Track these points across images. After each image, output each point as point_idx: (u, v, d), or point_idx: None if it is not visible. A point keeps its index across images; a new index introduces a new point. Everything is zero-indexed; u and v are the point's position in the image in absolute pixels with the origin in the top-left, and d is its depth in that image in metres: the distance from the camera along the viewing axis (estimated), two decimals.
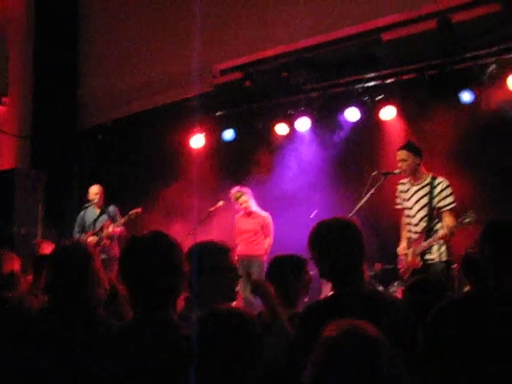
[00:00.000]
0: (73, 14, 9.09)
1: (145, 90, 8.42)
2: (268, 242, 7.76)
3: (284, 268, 3.61)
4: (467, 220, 5.46)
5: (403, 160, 5.98)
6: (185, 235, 7.61)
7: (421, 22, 6.61)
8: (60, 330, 2.91)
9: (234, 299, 2.97)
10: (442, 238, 5.69)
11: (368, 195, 5.85)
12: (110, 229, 7.84)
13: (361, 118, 8.14)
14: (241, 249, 7.76)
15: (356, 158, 8.32)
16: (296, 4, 7.13)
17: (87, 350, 2.63)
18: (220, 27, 7.56)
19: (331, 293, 2.88)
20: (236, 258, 7.62)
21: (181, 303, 2.76)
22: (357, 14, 6.79)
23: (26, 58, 9.26)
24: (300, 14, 7.09)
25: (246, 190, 7.87)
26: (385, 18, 6.69)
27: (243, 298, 7.51)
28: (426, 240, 5.80)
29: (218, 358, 1.97)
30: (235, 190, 7.87)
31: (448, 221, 5.74)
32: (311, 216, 8.10)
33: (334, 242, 2.79)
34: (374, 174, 6.02)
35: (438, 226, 5.85)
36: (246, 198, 7.77)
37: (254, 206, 7.85)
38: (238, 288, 3.00)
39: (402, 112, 7.93)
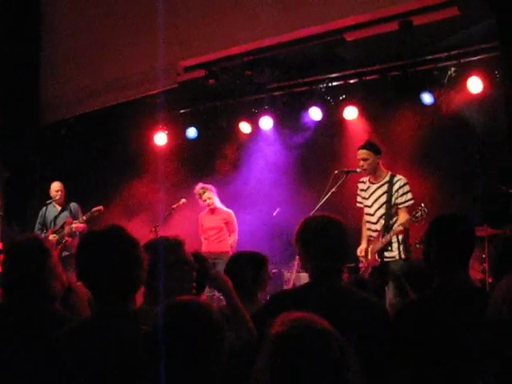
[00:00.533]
0: (35, 9, 8.94)
1: (109, 86, 8.33)
2: (233, 238, 7.71)
3: (243, 264, 3.63)
4: (419, 214, 5.57)
5: (364, 159, 6.07)
6: (147, 232, 7.58)
7: (383, 23, 6.66)
8: (16, 325, 2.88)
9: (190, 292, 2.97)
10: (396, 233, 5.80)
11: (329, 193, 5.91)
12: (72, 226, 7.76)
13: (324, 118, 8.23)
14: (206, 246, 7.74)
15: (319, 156, 8.40)
16: (261, 2, 7.13)
17: (45, 344, 2.61)
18: (184, 24, 7.52)
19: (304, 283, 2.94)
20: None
21: (139, 298, 2.75)
22: (321, 14, 6.80)
23: None
24: (264, 13, 7.09)
25: (210, 186, 7.84)
26: (348, 18, 6.71)
27: (207, 295, 7.52)
28: (383, 237, 5.89)
29: (180, 351, 1.97)
30: (199, 186, 7.84)
31: (403, 217, 5.84)
32: (274, 214, 8.15)
33: (317, 239, 2.85)
34: (335, 172, 6.10)
35: (395, 222, 5.95)
36: (210, 195, 7.74)
37: (217, 202, 7.83)
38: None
39: (365, 112, 8.04)
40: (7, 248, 3.13)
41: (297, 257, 7.66)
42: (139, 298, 2.74)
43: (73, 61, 8.59)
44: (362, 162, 6.08)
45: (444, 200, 7.07)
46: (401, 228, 5.75)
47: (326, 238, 2.85)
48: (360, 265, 6.21)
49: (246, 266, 3.63)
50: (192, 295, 2.83)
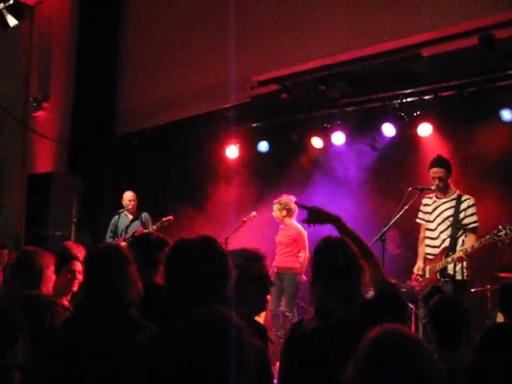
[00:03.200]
0: (113, 24, 9.25)
1: (182, 99, 8.49)
2: (303, 255, 7.56)
3: None
4: (502, 232, 5.35)
5: (440, 178, 5.92)
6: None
7: (462, 38, 6.53)
8: (94, 330, 2.93)
9: (262, 308, 2.96)
10: (457, 260, 5.62)
11: (402, 210, 5.79)
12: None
13: (397, 134, 8.08)
14: (276, 260, 7.71)
15: (391, 173, 8.25)
16: (335, 17, 7.12)
17: (121, 348, 2.64)
18: (258, 39, 7.60)
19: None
20: (274, 270, 7.61)
21: None
22: (396, 29, 6.74)
23: (68, 66, 9.46)
24: (339, 28, 7.09)
25: (288, 203, 7.66)
26: (425, 34, 6.63)
27: (271, 312, 7.48)
28: (446, 257, 5.72)
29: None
30: (282, 197, 7.74)
31: (468, 242, 5.67)
32: None
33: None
34: (410, 189, 5.97)
35: (460, 243, 5.77)
36: (276, 208, 7.66)
37: (288, 218, 7.74)
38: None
39: (440, 129, 7.85)
40: (88, 256, 3.21)
41: None
42: None
43: (148, 73, 8.81)
44: (437, 181, 5.93)
45: None
46: (461, 255, 5.56)
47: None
48: (413, 283, 6.06)
49: None
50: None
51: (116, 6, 9.31)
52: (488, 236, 5.51)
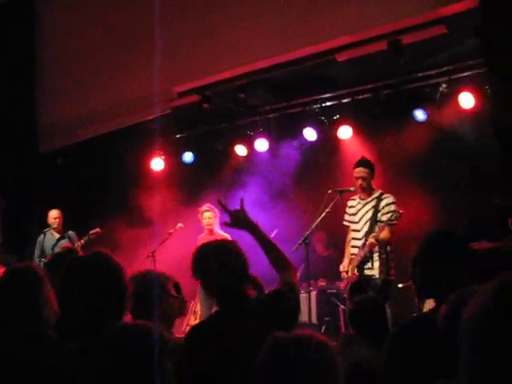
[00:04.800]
0: (29, 38, 9.05)
1: (104, 113, 8.41)
2: None
3: None
4: (393, 216, 5.57)
5: (363, 178, 6.08)
6: (144, 258, 7.60)
7: (372, 43, 6.75)
8: (8, 352, 2.89)
9: (170, 327, 3.09)
10: (369, 246, 5.79)
11: (324, 213, 5.93)
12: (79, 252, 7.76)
13: (318, 138, 8.27)
14: None
15: (315, 176, 8.43)
16: (251, 25, 7.21)
17: (38, 370, 2.62)
18: (177, 49, 7.60)
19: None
20: None
21: None
22: (311, 35, 6.89)
23: None
24: (255, 36, 7.18)
25: (215, 209, 7.80)
26: (338, 39, 6.80)
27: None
28: (362, 250, 5.90)
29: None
30: (204, 205, 7.82)
31: (382, 233, 5.84)
32: (272, 235, 8.14)
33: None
34: (329, 192, 6.12)
35: None
36: (211, 215, 7.73)
37: (217, 226, 7.80)
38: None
39: (359, 131, 8.08)
40: (3, 276, 3.15)
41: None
42: None
43: (68, 88, 8.68)
44: (360, 181, 6.09)
45: (437, 216, 7.09)
46: (372, 240, 5.73)
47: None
48: (341, 284, 6.23)
49: None
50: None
51: (31, 18, 9.11)
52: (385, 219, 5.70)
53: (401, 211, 5.61)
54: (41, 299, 2.98)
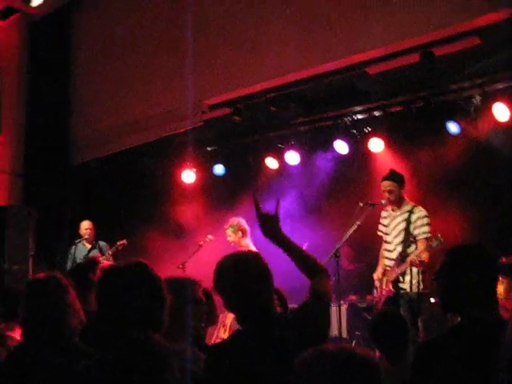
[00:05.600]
0: (64, 53, 9.23)
1: (136, 125, 8.50)
2: None
3: None
4: (435, 244, 5.49)
5: (389, 191, 6.03)
6: (174, 269, 7.61)
7: (404, 55, 6.70)
8: (36, 364, 2.92)
9: (200, 329, 2.99)
10: (410, 263, 5.71)
11: (355, 226, 5.88)
12: (100, 261, 7.83)
13: (349, 151, 8.21)
14: None
15: (346, 189, 8.37)
16: (283, 38, 7.23)
17: (66, 378, 2.63)
18: (208, 62, 7.66)
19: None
20: None
21: None
22: (342, 49, 6.88)
23: (20, 97, 9.38)
24: (286, 49, 7.20)
25: (240, 224, 7.63)
26: (370, 52, 6.77)
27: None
28: (398, 267, 5.82)
29: None
30: (231, 220, 7.76)
31: (420, 248, 5.76)
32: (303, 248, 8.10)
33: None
34: (360, 205, 6.06)
35: (411, 252, 5.87)
36: (230, 232, 7.64)
37: (243, 241, 7.71)
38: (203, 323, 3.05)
39: (390, 144, 8.01)
40: (26, 286, 3.18)
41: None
42: None
43: (101, 101, 8.81)
44: (387, 194, 6.05)
45: (473, 231, 6.97)
46: (414, 258, 5.66)
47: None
48: (374, 295, 6.14)
49: None
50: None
51: (67, 32, 9.29)
52: (424, 248, 5.63)
53: (442, 239, 5.51)
54: (65, 308, 3.00)
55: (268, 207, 8.46)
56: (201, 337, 3.11)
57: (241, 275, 2.65)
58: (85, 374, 2.48)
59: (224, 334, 7.78)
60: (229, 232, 7.62)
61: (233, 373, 2.52)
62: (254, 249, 7.56)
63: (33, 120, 9.19)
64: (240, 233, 7.61)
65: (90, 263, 4.06)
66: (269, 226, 2.86)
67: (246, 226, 7.62)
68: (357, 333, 7.56)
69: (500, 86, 7.16)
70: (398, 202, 6.08)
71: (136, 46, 8.37)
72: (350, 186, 8.35)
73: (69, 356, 2.87)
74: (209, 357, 2.68)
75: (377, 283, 6.13)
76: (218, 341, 7.56)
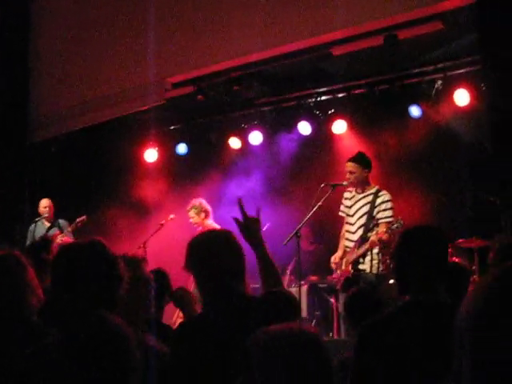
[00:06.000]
0: (23, 28, 8.97)
1: (97, 102, 8.34)
2: None
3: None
4: (394, 226, 5.58)
5: (351, 172, 6.08)
6: (135, 249, 7.56)
7: (368, 37, 6.70)
8: None
9: (148, 309, 2.97)
10: (371, 245, 5.78)
11: (316, 207, 5.91)
12: (59, 239, 7.74)
13: (313, 132, 8.25)
14: None
15: (308, 171, 8.40)
16: (247, 18, 7.17)
17: (25, 360, 2.60)
18: (172, 41, 7.55)
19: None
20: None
21: None
22: (307, 28, 6.85)
23: None
24: (251, 28, 7.14)
25: (200, 203, 7.61)
26: (334, 33, 6.75)
27: None
28: (359, 248, 5.88)
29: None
30: (193, 201, 7.72)
31: (380, 230, 5.83)
32: (263, 229, 8.11)
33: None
34: (322, 185, 6.10)
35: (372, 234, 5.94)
36: (193, 214, 7.56)
37: (205, 222, 7.69)
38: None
39: (353, 126, 8.06)
40: None
41: (288, 272, 7.68)
42: None
43: (61, 78, 8.60)
44: (348, 175, 6.10)
45: (433, 213, 7.09)
46: (374, 239, 5.72)
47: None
48: (333, 276, 6.21)
49: None
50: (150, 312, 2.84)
51: (24, 8, 9.03)
52: (385, 229, 5.69)
53: (402, 221, 5.58)
54: (24, 286, 2.96)
55: (232, 188, 8.43)
56: (157, 317, 3.09)
57: (212, 252, 2.66)
58: (42, 354, 2.47)
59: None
60: (191, 213, 7.57)
61: (201, 352, 2.53)
62: (217, 226, 7.58)
63: None
64: (203, 214, 7.60)
65: (43, 242, 4.00)
66: (252, 230, 2.91)
67: (208, 207, 7.62)
68: (316, 313, 7.65)
69: (462, 70, 7.26)
70: (361, 185, 6.12)
71: (98, 22, 8.18)
72: (312, 167, 8.38)
73: (28, 335, 2.83)
74: (177, 334, 2.70)
75: (333, 265, 6.18)
76: (179, 320, 7.59)
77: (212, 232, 3.04)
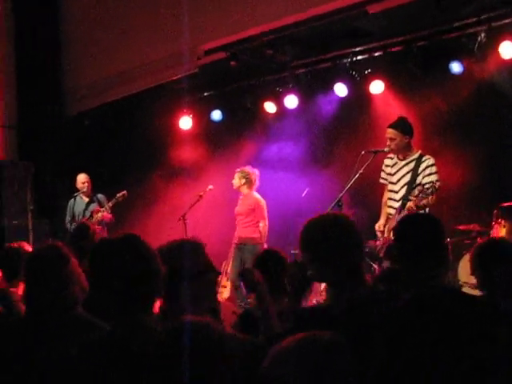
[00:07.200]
0: (55, 1, 8.90)
1: (130, 74, 8.27)
2: (262, 225, 7.58)
3: (271, 261, 3.61)
4: (429, 190, 5.37)
5: (391, 139, 5.88)
6: (175, 220, 7.56)
7: None
8: (40, 336, 2.89)
9: (215, 302, 2.87)
10: (408, 210, 5.59)
11: (357, 175, 5.76)
12: (99, 214, 7.79)
13: (349, 93, 8.02)
14: (237, 231, 7.75)
15: (346, 133, 8.21)
16: None
17: (72, 350, 2.60)
18: (202, 8, 7.38)
19: (324, 300, 2.77)
20: (235, 240, 7.69)
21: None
22: None
23: (9, 49, 9.08)
24: None
25: (250, 174, 7.71)
26: None
27: (232, 282, 7.50)
28: (399, 214, 5.72)
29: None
30: (247, 167, 7.76)
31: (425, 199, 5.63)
32: (303, 195, 8.03)
33: (327, 243, 2.59)
34: (362, 153, 5.92)
35: None
36: (236, 176, 7.69)
37: (247, 188, 7.69)
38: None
39: (391, 85, 7.81)
40: (26, 260, 3.13)
41: None
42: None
43: (94, 50, 8.56)
44: (389, 141, 5.90)
45: (475, 174, 6.88)
46: (411, 205, 5.53)
47: (337, 241, 2.60)
48: (377, 242, 6.08)
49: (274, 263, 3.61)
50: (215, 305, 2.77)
51: None
52: (418, 194, 5.49)
53: (437, 185, 5.38)
54: (66, 278, 2.97)
55: (269, 153, 8.32)
56: (216, 310, 2.97)
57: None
58: (89, 351, 2.46)
59: (226, 282, 7.81)
60: (236, 176, 7.69)
61: None
62: (257, 198, 7.58)
63: (24, 71, 8.94)
64: (244, 180, 7.64)
65: (79, 231, 4.02)
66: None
67: (255, 179, 7.65)
68: None
69: (507, 20, 6.86)
70: (402, 151, 5.90)
71: None
72: (351, 130, 8.18)
73: (73, 327, 2.84)
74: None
75: (378, 234, 6.04)
76: (221, 289, 7.62)
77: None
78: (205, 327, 1.94)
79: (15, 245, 4.57)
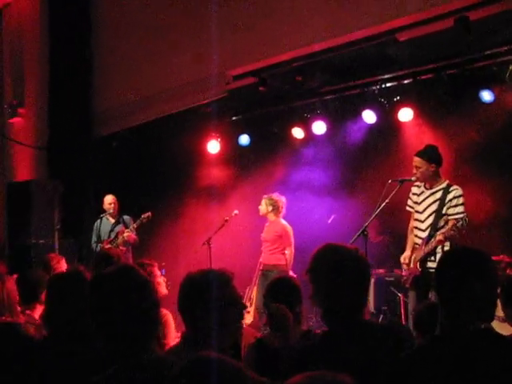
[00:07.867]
0: (85, 24, 9.06)
1: (159, 97, 8.36)
2: (288, 252, 7.51)
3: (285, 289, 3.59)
4: (460, 224, 5.27)
5: (417, 167, 5.79)
6: (199, 244, 7.55)
7: (437, 21, 6.39)
8: (60, 361, 2.86)
9: (238, 333, 2.81)
10: (437, 242, 5.50)
11: (384, 204, 5.69)
12: (124, 235, 7.82)
13: (378, 120, 7.98)
14: (262, 257, 7.69)
15: (374, 161, 8.15)
16: (309, 7, 6.98)
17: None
18: (233, 32, 7.44)
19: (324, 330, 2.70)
20: (260, 267, 7.67)
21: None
22: (371, 16, 6.60)
23: (41, 70, 9.27)
24: (313, 17, 6.94)
25: (276, 201, 7.65)
26: (400, 19, 6.48)
27: (257, 309, 7.42)
28: (426, 246, 5.62)
29: None
30: (275, 194, 7.70)
31: (449, 227, 5.53)
32: (329, 221, 7.98)
33: (336, 274, 2.55)
34: (389, 181, 5.85)
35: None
36: (263, 202, 7.64)
37: (274, 215, 7.64)
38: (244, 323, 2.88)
39: (420, 113, 7.74)
40: (50, 283, 3.13)
41: None
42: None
43: (123, 73, 8.67)
44: (415, 170, 5.81)
45: (505, 204, 6.76)
46: (441, 238, 5.43)
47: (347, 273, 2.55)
48: (403, 273, 5.97)
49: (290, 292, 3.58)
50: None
51: (86, 5, 9.11)
52: (451, 227, 5.40)
53: (467, 218, 5.30)
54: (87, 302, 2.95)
55: (295, 179, 8.26)
56: (238, 345, 2.92)
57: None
58: None
59: (250, 308, 7.75)
60: (263, 202, 7.65)
61: None
62: (284, 224, 7.54)
63: (55, 92, 9.10)
64: (270, 207, 7.59)
65: (101, 258, 4.03)
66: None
67: (282, 207, 7.60)
68: (383, 307, 7.46)
69: None
70: (429, 180, 5.81)
71: (159, 16, 8.17)
72: (377, 157, 8.12)
73: (91, 359, 2.79)
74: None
75: (404, 266, 5.94)
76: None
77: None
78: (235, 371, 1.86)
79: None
